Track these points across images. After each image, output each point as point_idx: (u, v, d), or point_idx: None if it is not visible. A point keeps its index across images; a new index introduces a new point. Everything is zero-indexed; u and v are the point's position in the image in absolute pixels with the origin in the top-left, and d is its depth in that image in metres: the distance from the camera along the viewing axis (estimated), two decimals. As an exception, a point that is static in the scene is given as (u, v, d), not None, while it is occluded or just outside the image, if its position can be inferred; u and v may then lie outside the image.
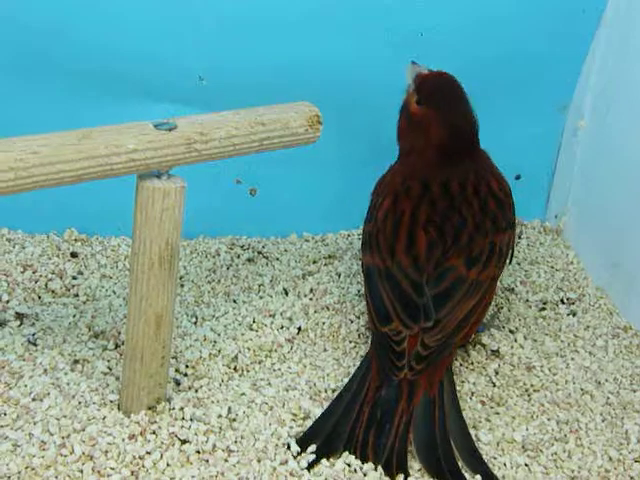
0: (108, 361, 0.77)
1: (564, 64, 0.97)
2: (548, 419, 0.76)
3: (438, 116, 0.79)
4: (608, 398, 0.79)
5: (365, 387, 0.74)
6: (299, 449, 0.69)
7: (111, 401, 0.72)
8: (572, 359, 0.83)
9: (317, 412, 0.73)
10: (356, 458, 0.69)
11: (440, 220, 0.78)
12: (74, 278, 0.87)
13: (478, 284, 0.77)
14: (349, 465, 0.69)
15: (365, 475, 0.68)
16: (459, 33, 0.92)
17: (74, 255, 0.91)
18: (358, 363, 0.79)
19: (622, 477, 0.71)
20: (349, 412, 0.72)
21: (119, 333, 0.79)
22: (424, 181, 0.80)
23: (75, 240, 0.93)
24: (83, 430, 0.68)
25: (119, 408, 0.71)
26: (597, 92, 0.97)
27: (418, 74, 0.81)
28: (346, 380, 0.77)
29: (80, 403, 0.71)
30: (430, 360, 0.73)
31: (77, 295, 0.85)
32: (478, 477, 0.69)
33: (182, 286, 0.88)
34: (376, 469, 0.68)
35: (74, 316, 0.82)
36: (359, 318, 0.86)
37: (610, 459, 0.73)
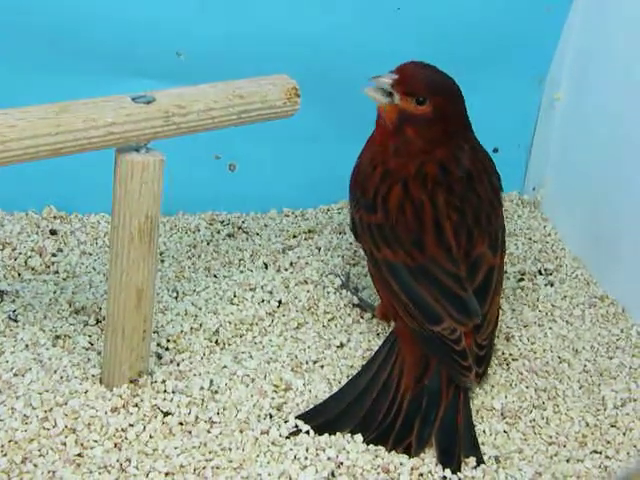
0: (89, 336, 0.77)
1: (541, 37, 0.98)
2: (527, 387, 0.77)
3: (447, 100, 0.77)
4: (585, 366, 0.80)
5: (394, 376, 0.73)
6: (295, 423, 0.69)
7: (93, 375, 0.72)
8: (550, 328, 0.84)
9: (299, 383, 0.74)
10: (389, 448, 0.69)
11: (460, 203, 0.76)
12: (54, 255, 0.87)
13: (501, 270, 0.77)
14: (333, 434, 0.69)
15: (348, 443, 0.69)
16: (435, 8, 0.92)
17: (53, 232, 0.90)
18: (339, 335, 0.80)
19: (599, 442, 0.72)
20: (368, 396, 0.72)
21: (100, 309, 0.80)
22: (436, 163, 0.77)
23: (54, 217, 0.93)
24: (65, 404, 0.69)
25: (101, 382, 0.72)
26: (574, 64, 0.97)
27: (393, 80, 0.76)
28: (327, 352, 0.78)
29: (62, 378, 0.72)
30: (488, 359, 0.74)
31: (57, 272, 0.85)
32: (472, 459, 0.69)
33: (162, 262, 0.88)
34: (391, 452, 0.69)
35: (54, 292, 0.82)
36: (338, 292, 0.86)
37: (587, 425, 0.74)
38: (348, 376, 0.75)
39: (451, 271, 0.74)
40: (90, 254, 0.89)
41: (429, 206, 0.76)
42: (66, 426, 0.67)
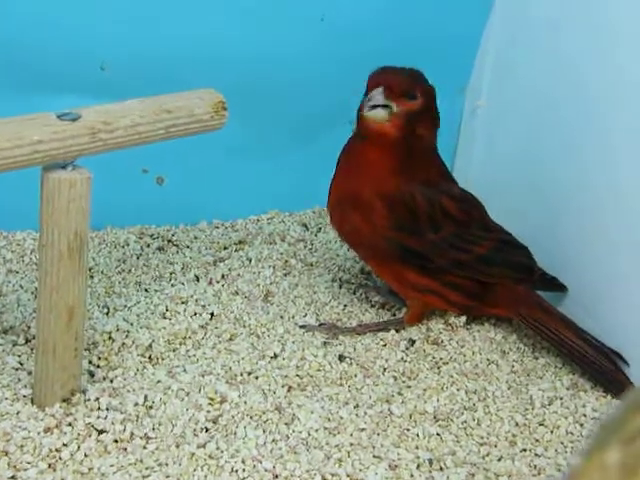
0: (19, 356, 0.76)
1: (460, 47, 1.00)
2: (457, 389, 0.79)
3: (429, 87, 0.81)
4: (513, 366, 0.83)
5: None
6: None
7: (24, 396, 0.71)
8: (478, 331, 0.87)
9: (234, 395, 0.74)
10: None
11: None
12: (-21, 274, 0.86)
13: None
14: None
15: (286, 454, 0.69)
16: (357, 19, 0.93)
17: (-22, 251, 0.89)
18: (272, 345, 0.80)
19: (528, 440, 0.74)
20: None
21: (29, 327, 0.78)
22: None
23: (-22, 236, 0.91)
24: (-3, 426, 0.68)
25: (33, 402, 0.71)
26: (495, 72, 1.00)
27: (383, 94, 0.77)
28: (262, 363, 0.78)
29: (-8, 400, 0.71)
30: None
31: (-16, 291, 0.84)
32: None
33: (92, 277, 0.87)
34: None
35: (-19, 313, 0.80)
36: (269, 302, 0.87)
37: (517, 424, 0.76)
38: (283, 386, 0.76)
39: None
40: (17, 272, 0.87)
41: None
42: (-2, 449, 0.66)
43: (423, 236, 0.81)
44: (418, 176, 0.80)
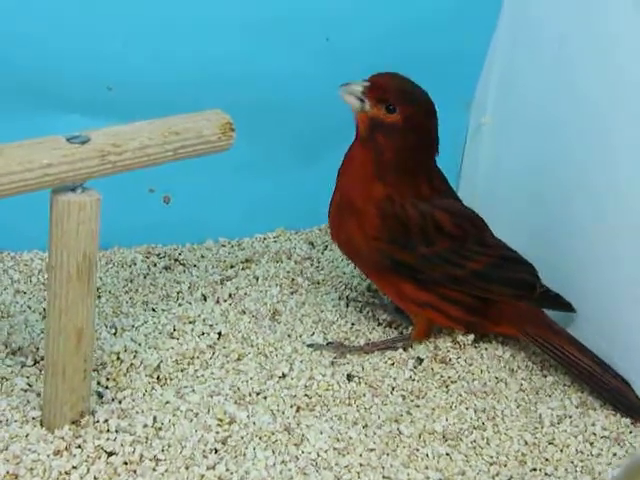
0: (27, 377, 0.76)
1: (465, 62, 1.00)
2: (466, 408, 0.78)
3: (418, 110, 0.79)
4: (521, 384, 0.82)
5: None
6: None
7: (33, 418, 0.71)
8: (486, 349, 0.86)
9: (242, 416, 0.74)
10: None
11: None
12: (-13, 295, 0.86)
13: None
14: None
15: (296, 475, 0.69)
16: (362, 38, 0.94)
17: (-15, 271, 0.89)
18: (280, 365, 0.80)
19: (538, 459, 0.74)
20: None
21: (37, 349, 0.78)
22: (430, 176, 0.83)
23: (-15, 256, 0.91)
24: (6, 449, 0.67)
25: (42, 424, 0.70)
26: (499, 88, 1.00)
27: (365, 88, 0.78)
28: (270, 382, 0.78)
29: (1, 422, 0.70)
30: None
31: (-9, 312, 0.84)
32: None
33: (99, 297, 0.87)
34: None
35: (-11, 334, 0.80)
36: (276, 320, 0.87)
37: (526, 443, 0.76)
38: (292, 406, 0.76)
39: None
40: (24, 292, 0.87)
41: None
42: (7, 472, 0.66)
43: (415, 249, 0.80)
44: (408, 189, 0.80)
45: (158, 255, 0.96)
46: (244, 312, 0.88)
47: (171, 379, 0.78)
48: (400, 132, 0.79)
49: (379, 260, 0.81)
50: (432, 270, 0.81)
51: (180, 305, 0.88)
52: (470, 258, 0.82)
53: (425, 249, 0.81)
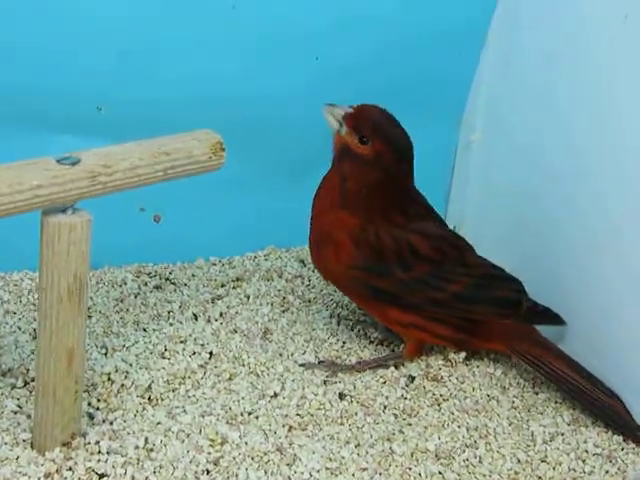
0: (18, 399, 0.75)
1: (454, 81, 1.01)
2: (458, 427, 0.78)
3: (389, 148, 0.79)
4: (513, 402, 0.82)
5: None
6: None
7: (24, 440, 0.71)
8: (477, 367, 0.86)
9: (234, 436, 0.73)
10: None
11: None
12: (-23, 316, 0.85)
13: None
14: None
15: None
16: (352, 56, 0.94)
17: (-25, 292, 0.89)
18: (272, 384, 0.80)
19: (530, 477, 0.74)
20: None
21: (27, 370, 0.78)
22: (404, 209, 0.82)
23: (-25, 277, 0.91)
24: (-4, 472, 0.67)
25: (32, 447, 0.70)
26: (488, 107, 1.01)
27: (346, 113, 0.79)
28: (262, 402, 0.78)
29: (-9, 444, 0.70)
30: None
31: (-19, 333, 0.83)
32: None
33: (90, 317, 0.87)
34: None
35: (-21, 355, 0.80)
36: (268, 339, 0.87)
37: (519, 461, 0.76)
38: (284, 426, 0.76)
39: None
40: (14, 313, 0.87)
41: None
42: (-2, 495, 0.66)
43: (392, 275, 0.80)
44: (378, 219, 0.80)
45: (149, 274, 0.95)
46: (235, 331, 0.87)
47: (162, 399, 0.78)
48: (367, 165, 0.79)
49: (359, 287, 0.81)
50: (412, 295, 0.81)
51: (171, 325, 0.88)
52: (451, 280, 0.82)
53: (403, 274, 0.80)
